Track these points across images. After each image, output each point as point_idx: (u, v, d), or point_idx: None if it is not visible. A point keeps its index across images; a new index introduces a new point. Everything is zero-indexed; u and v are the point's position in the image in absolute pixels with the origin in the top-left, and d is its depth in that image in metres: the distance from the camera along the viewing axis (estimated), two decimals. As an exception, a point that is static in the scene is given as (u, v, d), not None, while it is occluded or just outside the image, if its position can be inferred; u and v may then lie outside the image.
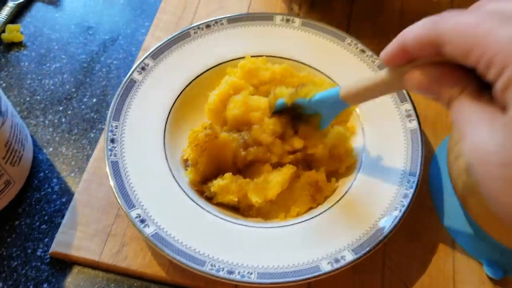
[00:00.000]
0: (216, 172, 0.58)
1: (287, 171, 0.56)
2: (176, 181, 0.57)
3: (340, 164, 0.60)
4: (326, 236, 0.54)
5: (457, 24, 0.30)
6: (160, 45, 0.65)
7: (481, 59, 0.29)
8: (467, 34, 0.30)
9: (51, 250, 0.56)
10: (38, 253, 0.57)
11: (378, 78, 0.41)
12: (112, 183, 0.55)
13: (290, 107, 0.55)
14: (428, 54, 0.33)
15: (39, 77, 0.71)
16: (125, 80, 0.62)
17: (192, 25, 0.68)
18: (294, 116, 0.56)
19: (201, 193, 0.58)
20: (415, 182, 0.56)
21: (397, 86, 0.40)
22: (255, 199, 0.55)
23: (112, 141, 0.58)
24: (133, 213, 0.53)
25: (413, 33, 0.34)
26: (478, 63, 0.29)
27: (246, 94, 0.60)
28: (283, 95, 0.56)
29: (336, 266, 0.51)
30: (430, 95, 0.35)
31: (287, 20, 0.69)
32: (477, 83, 0.32)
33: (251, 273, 0.50)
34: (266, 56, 0.66)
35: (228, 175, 0.56)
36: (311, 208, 0.57)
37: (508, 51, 0.27)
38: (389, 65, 0.38)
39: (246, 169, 0.58)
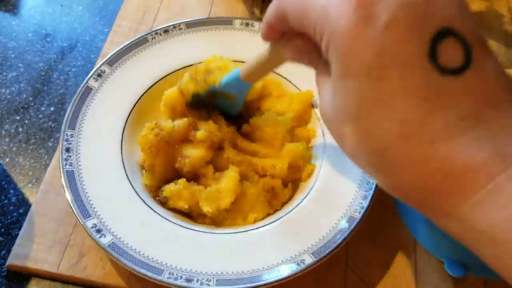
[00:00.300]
0: (172, 176, 0.57)
1: (233, 173, 0.56)
2: (134, 189, 0.56)
3: (300, 174, 0.60)
4: (285, 240, 0.53)
5: None
6: (117, 52, 0.64)
7: (308, 29, 0.30)
8: (297, 8, 0.31)
9: (7, 263, 0.55)
10: (-5, 267, 0.56)
11: (265, 54, 0.44)
12: (67, 193, 0.54)
13: (205, 96, 0.57)
14: (288, 28, 0.34)
15: (-5, 87, 0.69)
16: (80, 87, 0.61)
17: (150, 31, 0.67)
18: (208, 106, 0.59)
19: (156, 198, 0.57)
20: (374, 184, 0.56)
21: (282, 57, 0.42)
22: (207, 208, 0.54)
23: (67, 150, 0.57)
24: (89, 223, 0.52)
25: (270, 12, 0.35)
26: (308, 32, 0.31)
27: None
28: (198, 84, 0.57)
29: (296, 270, 0.50)
30: (305, 63, 0.37)
31: (247, 24, 0.69)
32: None
33: (210, 280, 0.50)
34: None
35: (182, 180, 0.56)
36: (268, 214, 0.57)
37: (323, 19, 0.29)
38: (267, 40, 0.40)
39: (191, 174, 0.58)
